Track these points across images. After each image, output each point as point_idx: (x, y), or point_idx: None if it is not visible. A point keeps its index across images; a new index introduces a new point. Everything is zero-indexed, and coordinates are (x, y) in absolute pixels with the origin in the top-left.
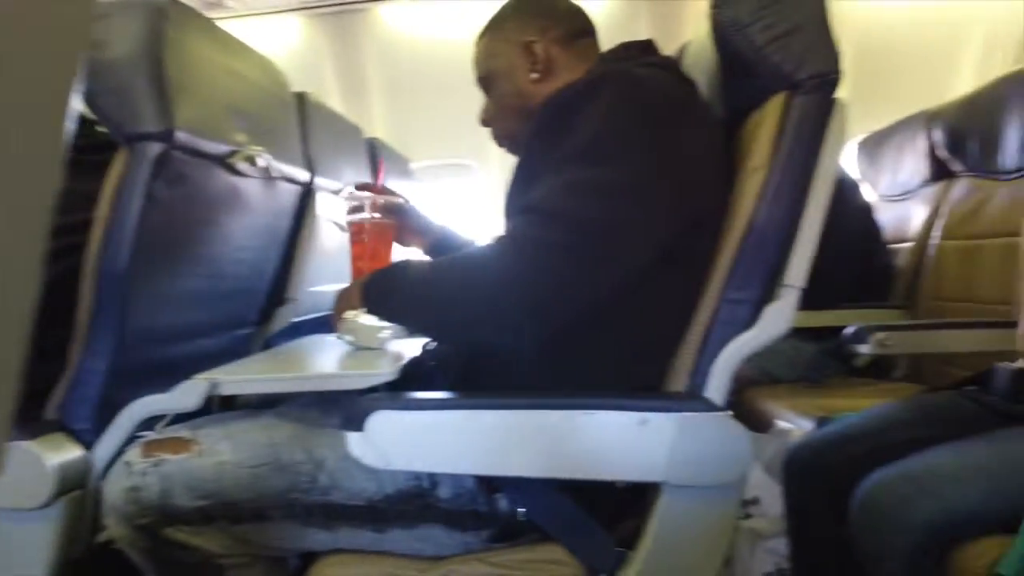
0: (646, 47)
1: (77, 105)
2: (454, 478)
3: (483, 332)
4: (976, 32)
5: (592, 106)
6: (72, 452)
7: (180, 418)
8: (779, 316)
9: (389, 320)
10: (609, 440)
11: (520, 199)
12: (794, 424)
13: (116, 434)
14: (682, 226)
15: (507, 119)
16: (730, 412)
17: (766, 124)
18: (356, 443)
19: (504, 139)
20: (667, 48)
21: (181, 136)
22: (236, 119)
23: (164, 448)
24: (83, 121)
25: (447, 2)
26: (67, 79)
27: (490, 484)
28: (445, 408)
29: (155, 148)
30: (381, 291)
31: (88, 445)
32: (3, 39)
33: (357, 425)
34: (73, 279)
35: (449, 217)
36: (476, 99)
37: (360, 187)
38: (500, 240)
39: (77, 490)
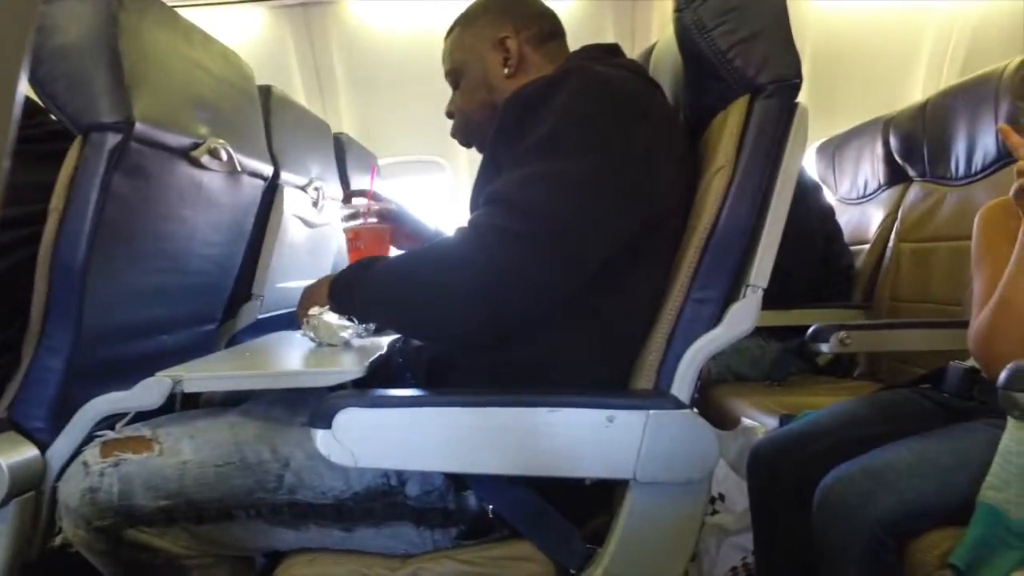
0: (612, 49)
1: (23, 91)
2: (422, 475)
3: (447, 322)
4: (928, 39)
5: (553, 100)
6: (25, 452)
7: (140, 416)
8: (743, 315)
9: (356, 316)
10: (576, 437)
11: (483, 193)
12: (758, 421)
13: (73, 434)
14: (641, 222)
15: (473, 113)
16: (696, 410)
17: (729, 126)
18: (323, 441)
19: (465, 133)
20: (634, 50)
21: (140, 128)
22: (198, 111)
23: (124, 447)
24: (33, 109)
25: None
26: (13, 64)
27: (459, 481)
28: (413, 405)
29: (112, 139)
30: (346, 286)
31: (42, 445)
32: None
33: (325, 423)
34: (26, 273)
35: (418, 213)
36: (444, 95)
37: (354, 194)
38: (461, 230)
39: (30, 492)
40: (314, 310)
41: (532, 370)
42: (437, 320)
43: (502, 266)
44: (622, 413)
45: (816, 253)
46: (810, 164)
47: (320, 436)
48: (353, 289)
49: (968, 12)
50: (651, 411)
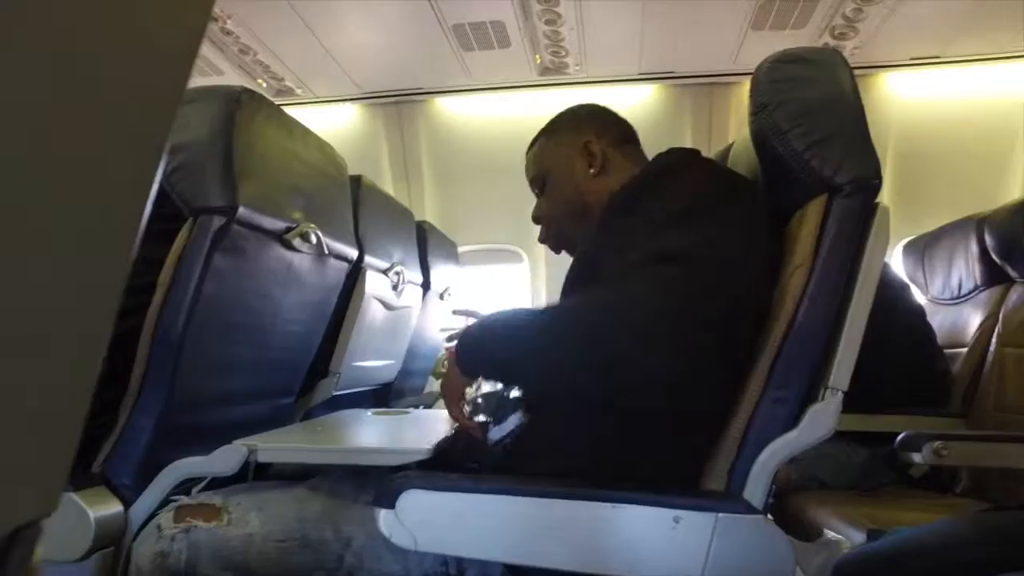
0: (693, 152)
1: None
2: (482, 566)
3: (588, 361)
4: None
5: (673, 185)
6: (112, 507)
7: (215, 482)
8: (822, 418)
9: (491, 375)
10: (640, 537)
11: (580, 285)
12: (843, 535)
13: (155, 493)
14: (738, 304)
15: (563, 215)
16: (770, 516)
17: (807, 224)
18: (386, 521)
19: (556, 238)
20: (711, 141)
21: (242, 211)
22: (294, 197)
23: (196, 514)
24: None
25: (500, 93)
26: (154, 159)
27: (518, 574)
28: (476, 491)
29: (217, 221)
30: (472, 348)
31: (126, 502)
32: (110, 122)
33: (388, 502)
34: (131, 340)
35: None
36: (522, 186)
37: (461, 312)
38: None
39: (111, 547)
40: (468, 391)
41: (605, 465)
42: (577, 356)
43: (640, 317)
44: (689, 514)
45: (906, 355)
46: (897, 262)
47: (383, 516)
48: (480, 347)
49: None
50: (720, 514)
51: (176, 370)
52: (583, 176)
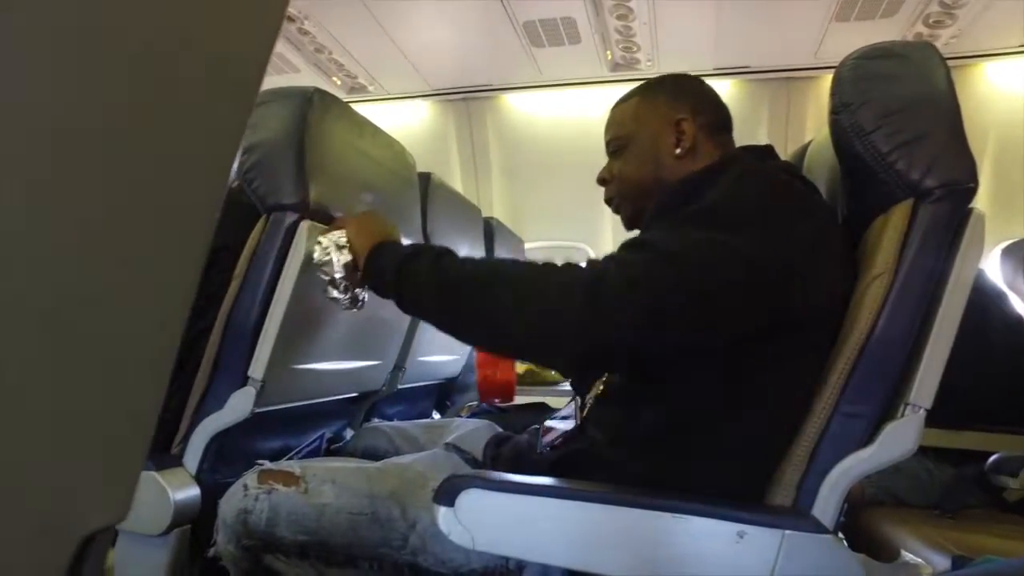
0: (767, 150)
1: (232, 174)
2: (542, 567)
3: (503, 330)
4: None
5: (714, 185)
6: (189, 488)
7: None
8: (900, 436)
9: (388, 289)
10: (703, 549)
11: None
12: (923, 558)
13: (194, 453)
14: (784, 312)
15: (632, 182)
16: (840, 535)
17: (890, 231)
18: (444, 518)
19: (620, 199)
20: (787, 136)
21: (314, 208)
22: (363, 194)
23: (276, 478)
24: (234, 190)
25: (570, 89)
26: (229, 155)
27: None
28: (537, 494)
29: (290, 218)
30: (410, 257)
31: (202, 482)
32: (188, 122)
33: (448, 500)
34: (208, 330)
35: None
36: (592, 184)
37: None
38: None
39: (188, 524)
40: (336, 235)
41: (665, 470)
42: (496, 325)
43: (625, 292)
44: (754, 529)
45: (998, 368)
46: (994, 268)
47: (442, 513)
48: (415, 261)
49: None
50: (787, 531)
51: (247, 361)
52: (667, 152)
